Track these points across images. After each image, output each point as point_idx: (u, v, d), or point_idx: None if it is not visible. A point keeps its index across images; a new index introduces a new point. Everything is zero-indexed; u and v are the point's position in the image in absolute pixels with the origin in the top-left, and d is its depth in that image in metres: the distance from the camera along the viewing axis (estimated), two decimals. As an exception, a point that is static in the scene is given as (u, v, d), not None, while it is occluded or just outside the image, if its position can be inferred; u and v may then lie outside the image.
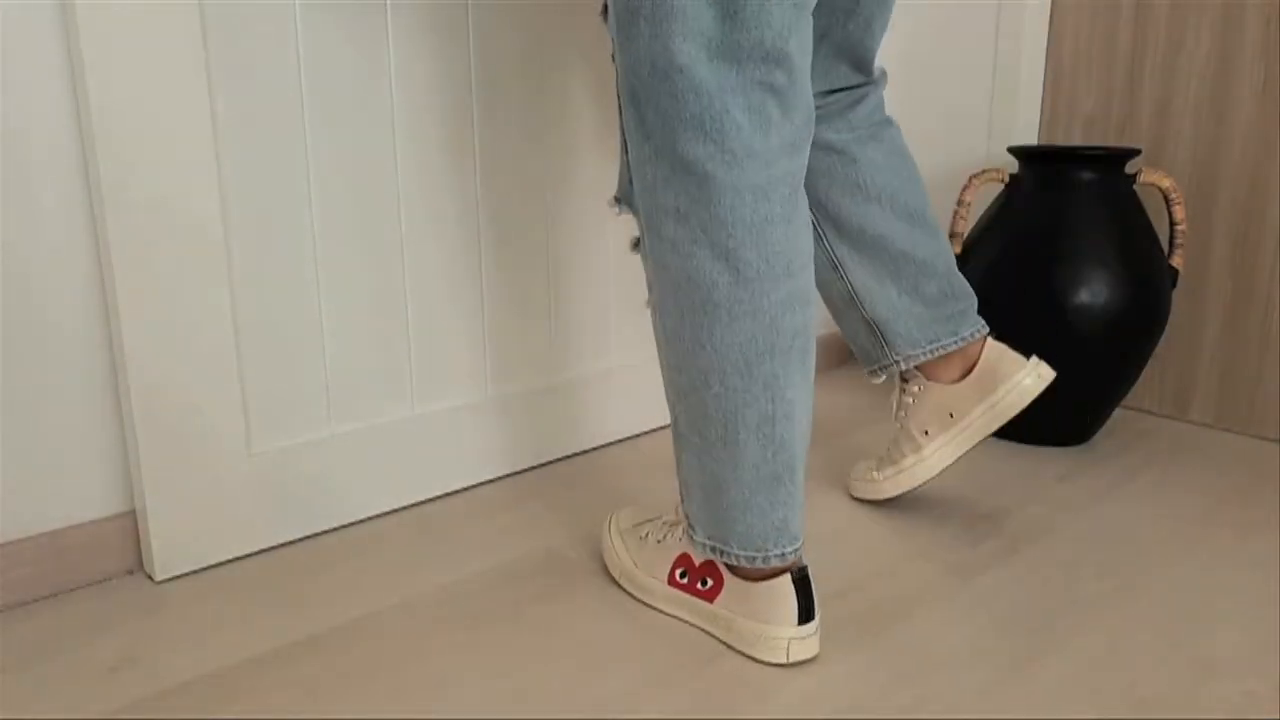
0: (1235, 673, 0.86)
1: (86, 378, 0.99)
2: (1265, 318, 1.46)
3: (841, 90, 1.09)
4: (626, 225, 1.44)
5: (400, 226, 1.17)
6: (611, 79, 1.36)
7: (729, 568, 0.90)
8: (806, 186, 1.11)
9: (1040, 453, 1.42)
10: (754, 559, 0.86)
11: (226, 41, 0.99)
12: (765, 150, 0.79)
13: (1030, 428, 1.43)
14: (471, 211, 1.24)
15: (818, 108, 1.08)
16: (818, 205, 1.11)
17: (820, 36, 1.04)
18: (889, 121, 1.12)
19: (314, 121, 1.08)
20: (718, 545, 0.88)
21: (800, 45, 0.80)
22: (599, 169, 1.38)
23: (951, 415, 1.13)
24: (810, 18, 0.80)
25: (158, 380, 0.99)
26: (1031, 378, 1.09)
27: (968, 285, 1.14)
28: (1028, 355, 1.31)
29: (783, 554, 0.86)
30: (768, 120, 0.79)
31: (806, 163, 0.84)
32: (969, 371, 1.13)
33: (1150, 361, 1.59)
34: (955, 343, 1.12)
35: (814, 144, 1.09)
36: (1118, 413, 1.62)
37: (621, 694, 0.83)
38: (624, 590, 1.01)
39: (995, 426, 1.11)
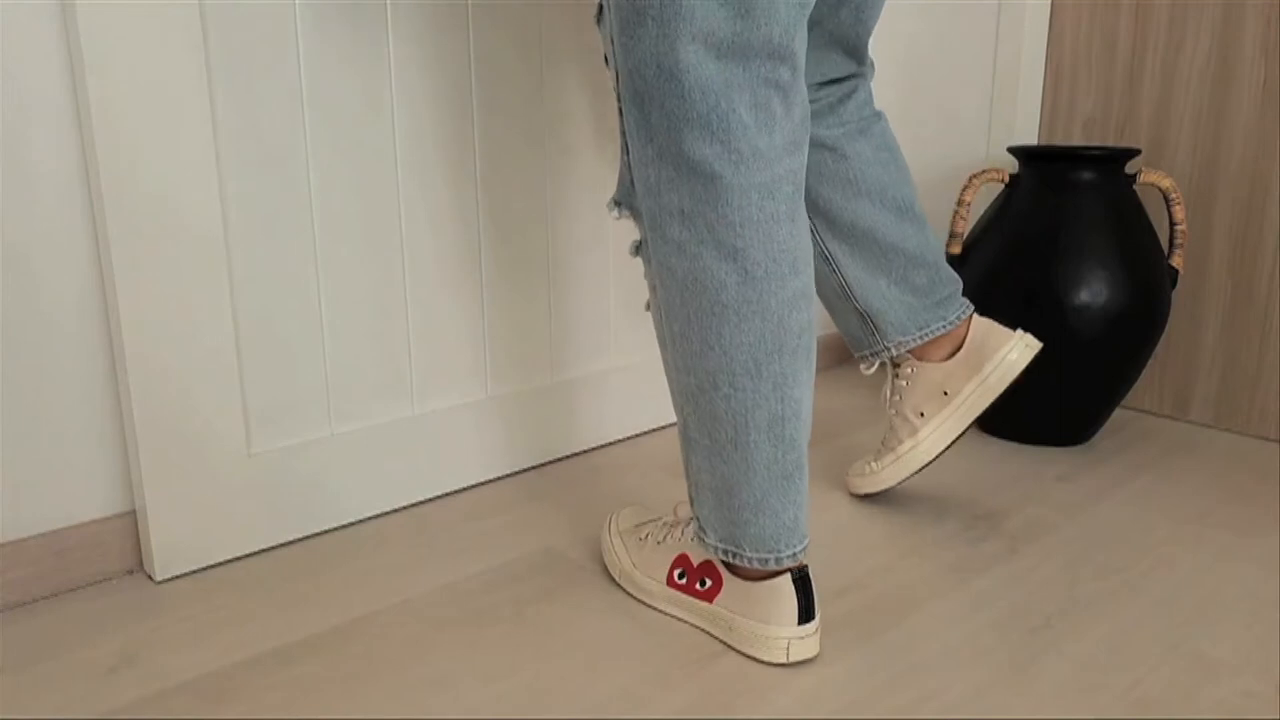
0: (1235, 673, 0.86)
1: (86, 378, 0.99)
2: (1265, 318, 1.46)
3: (833, 82, 1.09)
4: (626, 226, 1.43)
5: (400, 226, 1.17)
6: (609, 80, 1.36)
7: (730, 567, 0.90)
8: None
9: (1040, 453, 1.42)
10: (766, 560, 0.86)
11: (226, 41, 0.99)
12: (770, 149, 0.79)
13: (1030, 428, 1.43)
14: (471, 211, 1.24)
15: (810, 102, 1.08)
16: (808, 201, 1.12)
17: (811, 25, 1.04)
18: (878, 115, 1.12)
19: (314, 121, 1.07)
20: (730, 548, 0.88)
21: (802, 41, 0.80)
22: (599, 169, 1.37)
23: (945, 393, 1.14)
24: (807, 15, 0.81)
25: (157, 380, 0.99)
26: (1018, 350, 1.11)
27: (953, 270, 1.17)
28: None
29: (793, 553, 0.86)
30: (772, 117, 0.79)
31: (806, 161, 0.84)
32: (958, 349, 1.15)
33: (1150, 361, 1.59)
34: (943, 327, 1.14)
35: None
36: (1118, 413, 1.62)
37: (621, 694, 0.83)
38: (624, 590, 1.01)
39: (989, 401, 1.12)
